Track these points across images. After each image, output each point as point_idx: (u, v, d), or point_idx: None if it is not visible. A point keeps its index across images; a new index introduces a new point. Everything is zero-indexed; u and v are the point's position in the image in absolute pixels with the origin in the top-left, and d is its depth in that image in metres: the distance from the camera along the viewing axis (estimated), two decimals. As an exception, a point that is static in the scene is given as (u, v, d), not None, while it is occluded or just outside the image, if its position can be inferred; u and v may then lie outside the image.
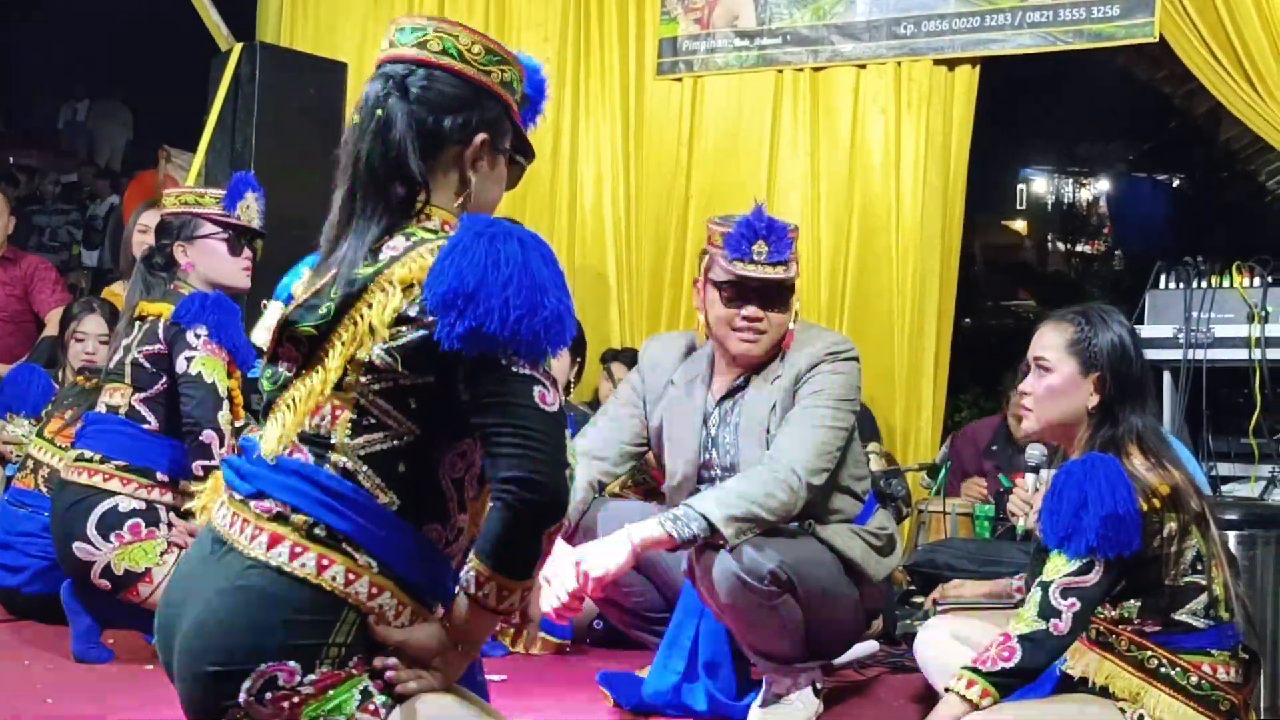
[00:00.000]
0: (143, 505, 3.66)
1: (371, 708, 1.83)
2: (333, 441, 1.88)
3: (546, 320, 1.80)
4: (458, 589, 1.89)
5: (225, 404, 3.64)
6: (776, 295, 3.38)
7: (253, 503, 1.88)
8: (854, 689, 3.66)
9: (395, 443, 1.88)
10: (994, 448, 5.65)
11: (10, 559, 4.13)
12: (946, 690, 2.62)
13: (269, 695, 1.79)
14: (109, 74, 10.39)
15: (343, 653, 1.83)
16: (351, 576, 1.84)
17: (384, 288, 1.86)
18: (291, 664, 1.79)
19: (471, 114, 1.99)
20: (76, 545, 3.61)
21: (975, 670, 2.57)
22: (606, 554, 3.02)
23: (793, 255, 3.39)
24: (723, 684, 3.30)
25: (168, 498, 3.70)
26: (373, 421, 1.87)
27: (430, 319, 1.82)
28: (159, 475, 3.69)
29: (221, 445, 3.59)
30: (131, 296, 3.88)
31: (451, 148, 1.99)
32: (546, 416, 1.82)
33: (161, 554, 3.62)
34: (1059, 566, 2.58)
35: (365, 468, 1.87)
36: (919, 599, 4.29)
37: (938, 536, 4.99)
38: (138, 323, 3.79)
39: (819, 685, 3.31)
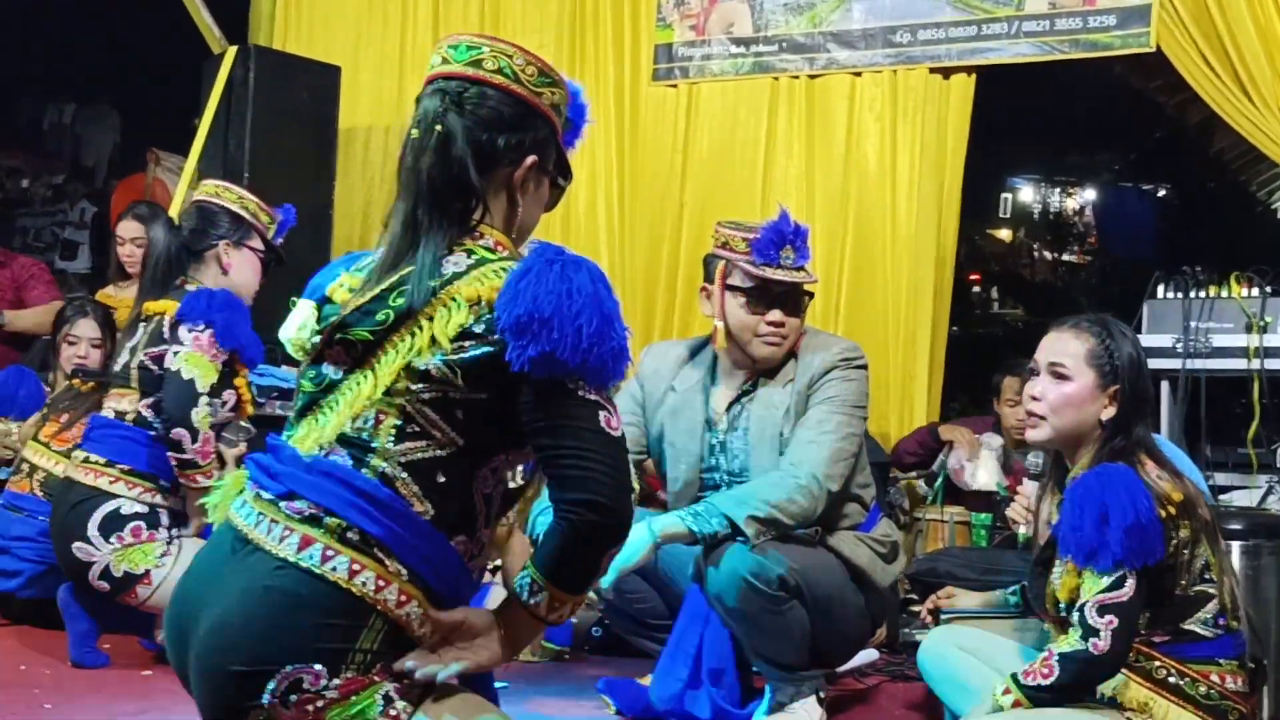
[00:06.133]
0: (145, 509, 3.64)
1: (393, 713, 1.83)
2: (374, 446, 1.88)
3: (614, 350, 1.85)
4: (503, 594, 1.91)
5: (203, 401, 3.59)
6: (796, 299, 3.39)
7: (283, 503, 1.88)
8: (855, 697, 3.67)
9: (437, 452, 1.89)
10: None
11: (6, 563, 4.11)
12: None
13: (294, 698, 1.79)
14: (97, 77, 10.31)
15: (368, 659, 1.82)
16: (382, 583, 1.84)
17: (446, 302, 1.88)
18: (318, 667, 1.79)
19: (524, 135, 2.02)
20: (77, 546, 3.59)
21: (1015, 679, 2.58)
22: (628, 544, 2.98)
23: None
24: (727, 691, 3.29)
25: (171, 503, 3.68)
26: (417, 429, 1.88)
27: (496, 337, 1.85)
28: (163, 482, 3.68)
29: (194, 442, 3.57)
30: (142, 296, 3.85)
31: (503, 168, 2.02)
32: (611, 440, 1.86)
33: (160, 556, 3.60)
34: (1091, 587, 2.54)
35: (404, 475, 1.88)
36: (918, 608, 4.28)
37: (934, 545, 4.99)
38: (142, 325, 3.76)
39: (822, 693, 3.31)
